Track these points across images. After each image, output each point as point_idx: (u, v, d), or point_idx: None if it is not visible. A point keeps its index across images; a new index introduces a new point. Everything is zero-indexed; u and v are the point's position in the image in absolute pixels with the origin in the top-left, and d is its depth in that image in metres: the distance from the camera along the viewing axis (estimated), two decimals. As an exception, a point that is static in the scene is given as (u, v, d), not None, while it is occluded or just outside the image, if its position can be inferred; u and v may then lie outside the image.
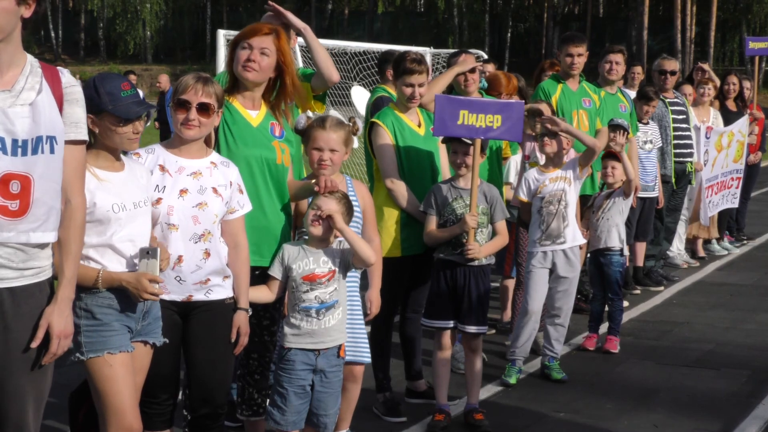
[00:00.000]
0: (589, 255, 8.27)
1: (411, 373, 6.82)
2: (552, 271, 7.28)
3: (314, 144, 5.39)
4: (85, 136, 3.99)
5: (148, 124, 4.67)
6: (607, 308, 8.25)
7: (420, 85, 6.43)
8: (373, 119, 6.59)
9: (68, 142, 3.88)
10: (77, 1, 64.45)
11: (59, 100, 3.86)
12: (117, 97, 4.30)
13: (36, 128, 3.72)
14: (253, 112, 5.30)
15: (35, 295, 3.87)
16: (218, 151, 5.11)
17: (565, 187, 7.19)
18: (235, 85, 5.31)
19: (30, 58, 3.86)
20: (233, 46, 5.32)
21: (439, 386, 6.38)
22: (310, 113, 5.80)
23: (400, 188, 6.38)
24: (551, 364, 7.38)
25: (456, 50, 7.97)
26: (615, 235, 8.08)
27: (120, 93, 4.30)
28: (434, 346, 6.42)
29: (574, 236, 7.29)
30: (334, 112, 11.14)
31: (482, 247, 6.24)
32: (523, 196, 7.33)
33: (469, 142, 6.23)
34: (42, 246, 3.87)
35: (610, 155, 8.19)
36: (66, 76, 3.96)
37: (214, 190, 4.73)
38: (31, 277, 3.85)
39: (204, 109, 4.70)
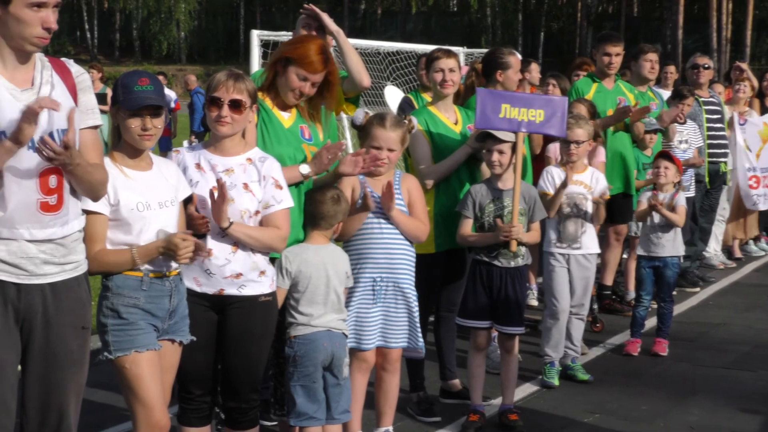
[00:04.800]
0: (638, 259, 8.14)
1: (445, 373, 6.80)
2: (569, 271, 7.20)
3: (373, 142, 5.50)
4: (100, 121, 4.12)
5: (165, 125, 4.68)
6: (656, 310, 8.17)
7: (451, 71, 6.45)
8: (406, 116, 6.60)
9: (88, 128, 3.98)
10: (112, 0, 64.88)
11: (72, 90, 3.96)
12: (129, 89, 4.31)
13: (51, 122, 3.80)
14: (285, 114, 5.40)
15: (74, 289, 3.98)
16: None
17: (585, 192, 7.11)
18: (273, 87, 5.38)
19: (37, 54, 3.93)
20: (284, 60, 5.32)
21: (473, 386, 6.36)
22: (367, 109, 5.85)
23: (430, 167, 6.37)
24: (574, 364, 7.34)
25: (491, 49, 7.92)
26: (679, 241, 7.97)
27: (134, 86, 4.31)
28: (469, 346, 6.41)
29: (590, 244, 7.19)
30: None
31: (521, 234, 6.16)
32: (548, 189, 7.12)
33: (503, 138, 6.17)
34: (78, 238, 3.99)
35: (664, 155, 8.07)
36: (74, 66, 4.07)
37: (245, 186, 4.76)
38: (71, 271, 3.96)
39: (236, 105, 4.72)
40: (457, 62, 6.58)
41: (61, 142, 3.67)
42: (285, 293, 5.17)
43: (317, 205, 5.25)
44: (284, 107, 5.40)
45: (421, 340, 5.73)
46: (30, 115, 3.60)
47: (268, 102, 5.35)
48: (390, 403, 5.77)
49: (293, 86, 5.30)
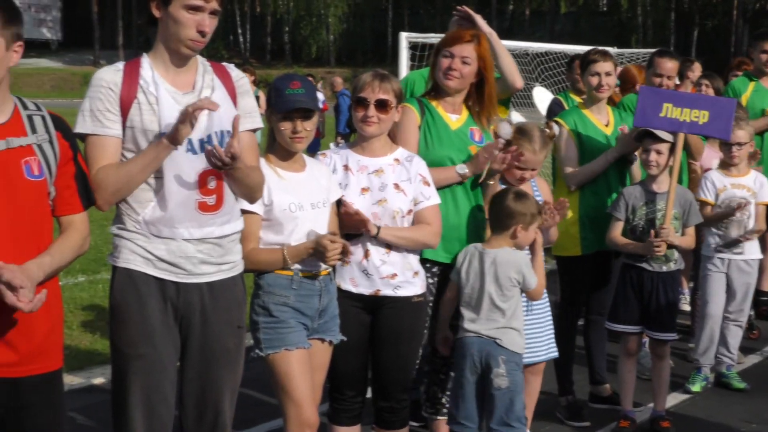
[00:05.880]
0: None
1: (595, 377, 6.70)
2: (728, 275, 7.01)
3: (518, 163, 5.40)
4: (260, 124, 4.19)
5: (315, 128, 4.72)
6: None
7: (607, 74, 6.33)
8: (555, 119, 6.54)
9: (246, 131, 4.05)
10: (264, 5, 66.33)
11: (232, 93, 4.05)
12: (281, 93, 4.40)
13: (210, 124, 3.89)
14: (453, 116, 5.37)
15: (231, 288, 4.08)
16: (418, 149, 5.18)
17: (747, 196, 6.88)
18: (436, 89, 5.38)
19: (200, 58, 4.04)
20: (435, 52, 5.39)
21: (624, 392, 6.26)
22: (514, 117, 5.80)
23: (575, 171, 6.29)
24: (729, 372, 7.12)
25: (654, 50, 7.70)
26: None
27: (285, 90, 4.39)
28: (620, 351, 6.30)
29: (752, 248, 6.99)
30: (516, 114, 11.09)
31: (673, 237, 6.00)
32: (707, 197, 6.93)
33: (663, 138, 6.02)
34: (235, 239, 4.08)
35: None
36: (234, 70, 4.16)
37: (396, 186, 4.79)
38: (227, 271, 4.06)
39: (382, 105, 4.75)
40: (614, 64, 6.45)
41: (227, 151, 3.75)
42: (455, 287, 5.16)
43: (497, 204, 5.18)
44: (454, 110, 5.38)
45: (555, 348, 5.68)
46: (186, 116, 3.71)
47: (434, 104, 5.34)
48: (529, 406, 5.69)
49: (443, 66, 5.26)
